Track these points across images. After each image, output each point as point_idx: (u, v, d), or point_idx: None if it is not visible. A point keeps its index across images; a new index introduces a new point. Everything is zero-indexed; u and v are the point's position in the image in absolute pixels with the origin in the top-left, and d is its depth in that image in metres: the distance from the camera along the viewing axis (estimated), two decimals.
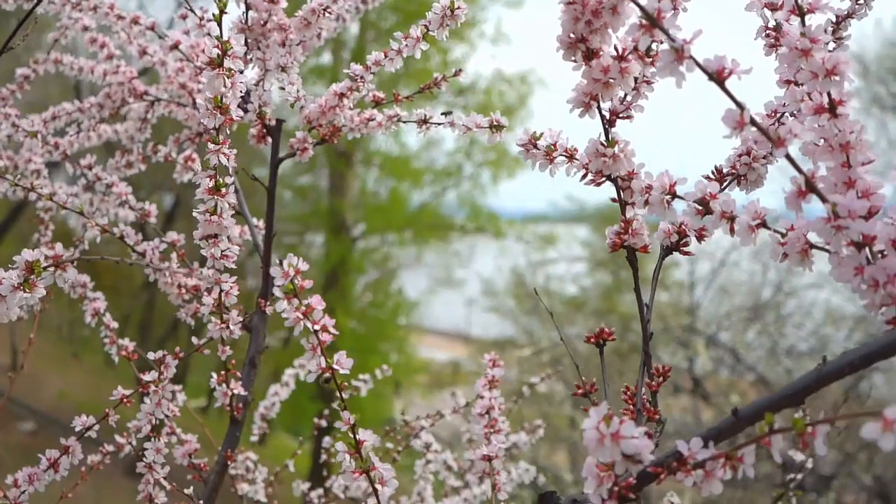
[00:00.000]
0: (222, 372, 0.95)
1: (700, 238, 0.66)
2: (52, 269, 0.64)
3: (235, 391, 0.96)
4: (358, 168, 11.87)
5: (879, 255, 0.52)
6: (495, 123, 0.84)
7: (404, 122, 0.96)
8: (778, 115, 0.67)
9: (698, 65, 0.49)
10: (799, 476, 1.13)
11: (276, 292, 0.61)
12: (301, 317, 0.61)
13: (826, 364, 0.49)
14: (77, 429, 0.90)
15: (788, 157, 0.51)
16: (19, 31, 0.73)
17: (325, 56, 9.53)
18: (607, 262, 9.87)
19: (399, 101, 0.96)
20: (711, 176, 0.68)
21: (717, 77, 0.50)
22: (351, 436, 0.64)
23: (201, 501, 0.94)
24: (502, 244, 11.07)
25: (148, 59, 1.14)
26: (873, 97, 9.16)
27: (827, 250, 0.53)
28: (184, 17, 1.11)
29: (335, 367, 0.62)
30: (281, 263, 0.60)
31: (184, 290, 1.00)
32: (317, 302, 0.62)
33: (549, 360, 8.16)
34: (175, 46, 1.04)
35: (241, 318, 0.90)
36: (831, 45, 0.71)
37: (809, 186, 0.51)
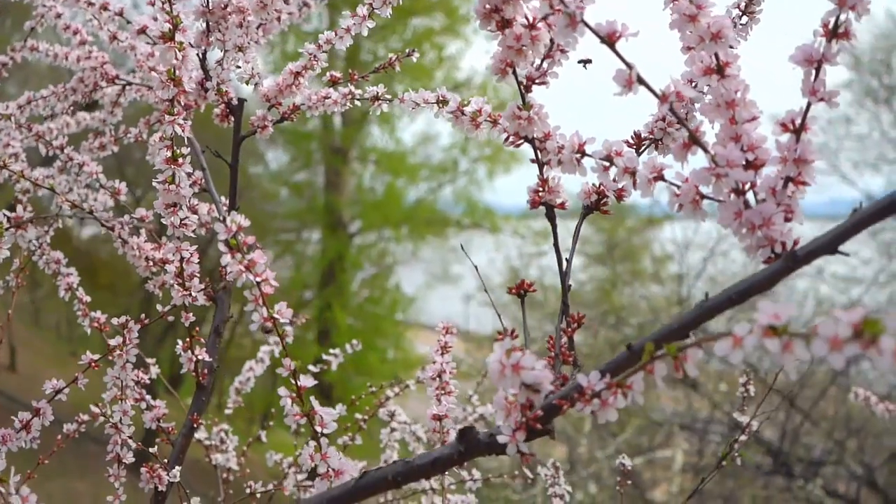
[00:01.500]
0: (187, 339, 1.00)
1: (619, 198, 0.71)
2: (12, 229, 0.69)
3: (200, 357, 1.01)
4: (354, 164, 11.93)
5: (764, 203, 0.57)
6: (441, 99, 0.89)
7: (358, 99, 1.01)
8: (692, 82, 0.72)
9: (590, 28, 0.54)
10: (743, 437, 1.18)
11: (221, 247, 0.66)
12: (244, 269, 0.66)
13: (708, 300, 0.54)
14: (47, 391, 0.95)
15: (672, 111, 0.55)
16: None
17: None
18: (602, 257, 9.93)
19: (354, 80, 1.01)
20: (630, 140, 0.73)
21: (609, 40, 0.55)
22: (292, 382, 0.69)
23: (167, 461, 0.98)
24: (498, 239, 11.12)
25: (118, 45, 1.18)
26: (866, 90, 9.20)
27: (715, 199, 0.58)
28: (152, 4, 1.16)
29: (276, 316, 0.67)
30: (224, 221, 0.65)
31: (151, 263, 1.05)
32: (259, 256, 0.67)
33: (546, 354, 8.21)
34: (142, 31, 1.08)
35: (202, 286, 0.95)
36: (744, 19, 0.76)
37: (693, 139, 0.56)
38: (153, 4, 1.13)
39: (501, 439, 0.58)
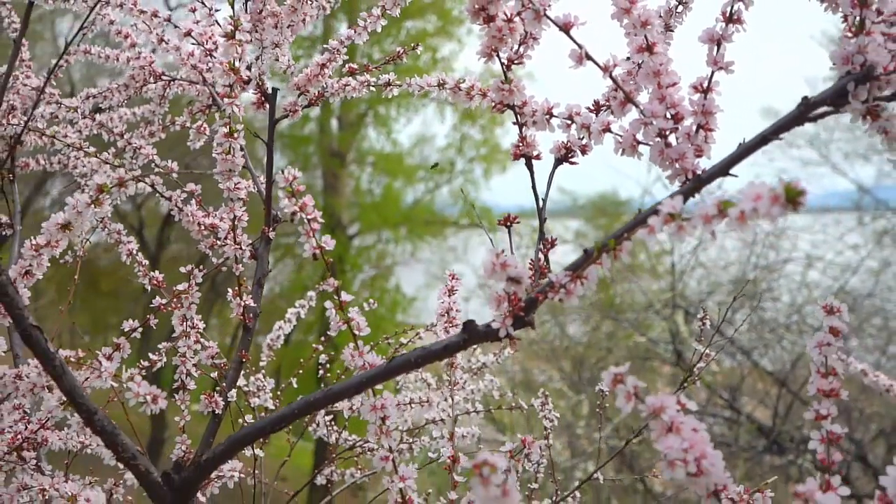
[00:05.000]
0: (236, 287, 1.20)
1: (583, 152, 0.92)
2: (116, 188, 0.90)
3: (247, 303, 1.21)
4: (351, 167, 12.13)
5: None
6: (440, 82, 1.09)
7: (373, 86, 1.21)
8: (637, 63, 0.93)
9: (551, 20, 0.75)
10: (702, 365, 1.38)
11: (280, 193, 0.86)
12: (298, 210, 0.86)
13: (641, 212, 0.75)
14: (125, 329, 1.15)
15: (612, 77, 0.76)
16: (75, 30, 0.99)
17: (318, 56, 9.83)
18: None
19: (369, 70, 1.22)
20: (591, 107, 0.93)
21: (565, 28, 0.75)
22: (336, 297, 0.89)
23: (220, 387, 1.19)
24: (496, 237, 11.29)
25: (164, 46, 1.39)
26: None
27: (646, 143, 0.79)
28: (193, 10, 1.37)
29: (323, 245, 0.88)
30: (283, 171, 0.86)
31: (202, 227, 1.25)
32: (309, 200, 0.87)
33: (548, 349, 8.46)
34: (188, 33, 1.29)
35: (251, 241, 1.15)
36: (679, 8, 0.96)
37: (627, 98, 0.77)
38: (194, 11, 1.34)
39: (494, 325, 0.79)
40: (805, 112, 0.69)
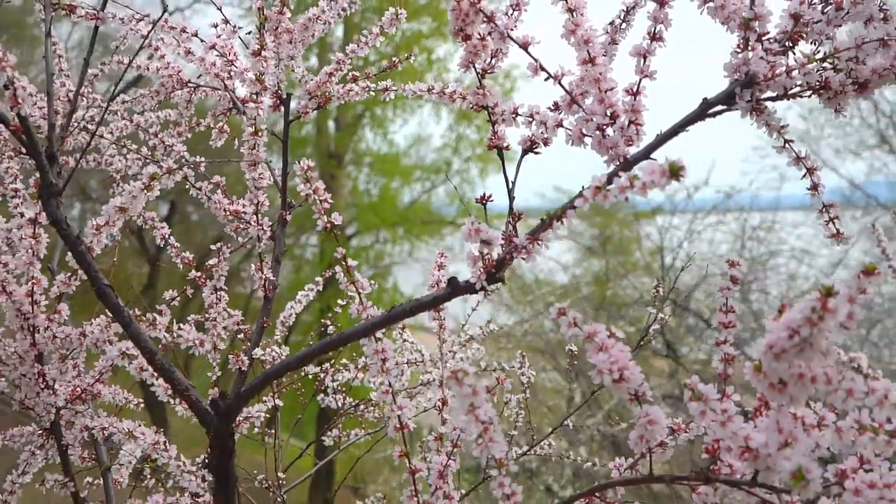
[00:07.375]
0: (258, 263, 1.41)
1: (545, 144, 1.13)
2: (165, 175, 1.10)
3: (268, 276, 1.42)
4: (349, 168, 12.34)
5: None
6: (430, 88, 1.30)
7: (373, 91, 1.42)
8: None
9: (512, 39, 0.96)
10: (656, 326, 1.58)
11: (297, 179, 1.07)
12: (311, 192, 1.07)
13: (584, 189, 0.96)
14: (166, 298, 1.36)
15: (561, 85, 0.97)
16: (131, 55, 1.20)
17: (313, 59, 10.06)
18: (597, 251, 10.34)
19: (369, 77, 1.44)
20: (551, 107, 1.14)
21: (523, 45, 0.96)
22: (344, 263, 1.10)
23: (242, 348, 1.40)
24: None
25: (190, 57, 1.60)
26: None
27: (590, 136, 1.00)
28: (215, 26, 1.57)
29: (333, 220, 1.09)
30: (299, 162, 1.07)
31: (227, 213, 1.46)
32: (321, 184, 1.08)
33: (543, 343, 8.67)
34: (213, 46, 1.50)
35: (270, 223, 1.36)
36: (623, 25, 1.17)
37: (573, 101, 0.98)
38: (216, 26, 1.55)
39: (472, 279, 1.00)
40: (705, 109, 0.90)
